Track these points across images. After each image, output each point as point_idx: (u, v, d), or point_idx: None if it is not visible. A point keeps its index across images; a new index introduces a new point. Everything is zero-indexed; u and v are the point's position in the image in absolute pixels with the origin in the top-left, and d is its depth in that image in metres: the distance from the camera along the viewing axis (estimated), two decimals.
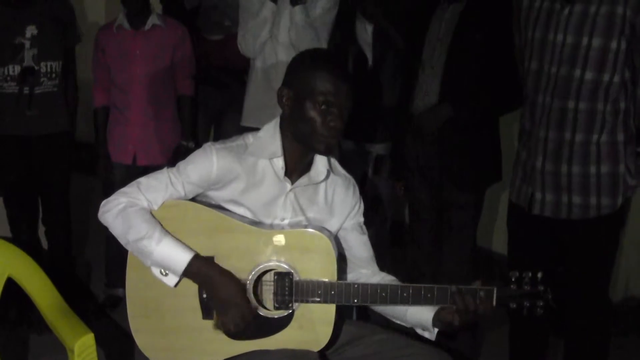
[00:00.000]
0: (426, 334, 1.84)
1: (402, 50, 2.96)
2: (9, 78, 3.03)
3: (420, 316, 1.83)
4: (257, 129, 1.88)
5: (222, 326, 1.76)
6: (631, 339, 3.18)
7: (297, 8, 2.78)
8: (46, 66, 3.07)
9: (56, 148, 3.19)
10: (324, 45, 2.84)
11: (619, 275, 3.30)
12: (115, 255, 3.28)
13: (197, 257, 1.72)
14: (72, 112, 3.28)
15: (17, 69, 3.02)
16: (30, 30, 3.02)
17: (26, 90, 3.04)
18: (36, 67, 3.04)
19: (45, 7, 3.08)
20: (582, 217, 2.30)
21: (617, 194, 2.29)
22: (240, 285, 1.75)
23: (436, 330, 1.82)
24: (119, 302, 3.31)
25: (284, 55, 2.82)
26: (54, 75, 3.10)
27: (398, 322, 1.90)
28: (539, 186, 2.34)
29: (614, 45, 2.17)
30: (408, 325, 1.87)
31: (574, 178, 2.28)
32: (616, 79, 2.21)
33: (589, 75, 2.20)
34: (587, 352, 2.45)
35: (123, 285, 1.85)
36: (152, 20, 3.20)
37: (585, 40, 2.19)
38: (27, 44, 3.02)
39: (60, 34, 3.13)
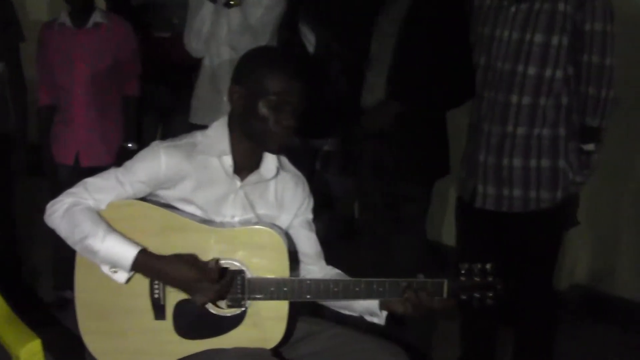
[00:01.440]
0: (375, 320, 1.84)
1: (344, 57, 2.95)
2: None
3: (367, 303, 1.83)
4: (205, 127, 1.86)
5: (199, 301, 1.71)
6: (576, 326, 3.27)
7: (233, 10, 2.75)
8: None
9: None
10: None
11: (564, 264, 3.39)
12: (63, 257, 3.20)
13: (143, 252, 1.70)
14: (22, 114, 3.18)
15: None
16: None
17: None
18: None
19: None
20: (523, 210, 2.36)
21: (556, 188, 2.34)
22: (188, 260, 1.70)
23: (385, 313, 1.82)
24: (68, 305, 3.24)
25: (226, 55, 2.82)
26: None
27: (346, 312, 1.90)
28: (481, 179, 2.39)
29: (555, 41, 2.23)
30: (356, 314, 1.88)
31: (515, 171, 2.33)
32: (558, 74, 2.27)
33: (531, 71, 2.26)
34: (534, 341, 2.52)
35: (72, 287, 1.81)
36: (95, 17, 3.11)
37: (528, 37, 2.24)
38: None
39: (1, 32, 3.03)
